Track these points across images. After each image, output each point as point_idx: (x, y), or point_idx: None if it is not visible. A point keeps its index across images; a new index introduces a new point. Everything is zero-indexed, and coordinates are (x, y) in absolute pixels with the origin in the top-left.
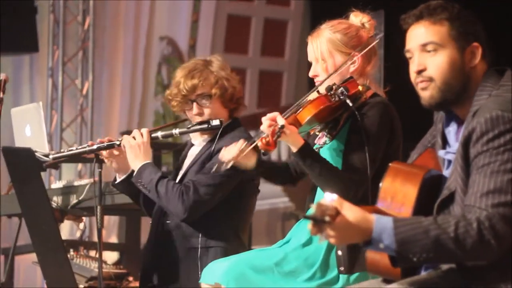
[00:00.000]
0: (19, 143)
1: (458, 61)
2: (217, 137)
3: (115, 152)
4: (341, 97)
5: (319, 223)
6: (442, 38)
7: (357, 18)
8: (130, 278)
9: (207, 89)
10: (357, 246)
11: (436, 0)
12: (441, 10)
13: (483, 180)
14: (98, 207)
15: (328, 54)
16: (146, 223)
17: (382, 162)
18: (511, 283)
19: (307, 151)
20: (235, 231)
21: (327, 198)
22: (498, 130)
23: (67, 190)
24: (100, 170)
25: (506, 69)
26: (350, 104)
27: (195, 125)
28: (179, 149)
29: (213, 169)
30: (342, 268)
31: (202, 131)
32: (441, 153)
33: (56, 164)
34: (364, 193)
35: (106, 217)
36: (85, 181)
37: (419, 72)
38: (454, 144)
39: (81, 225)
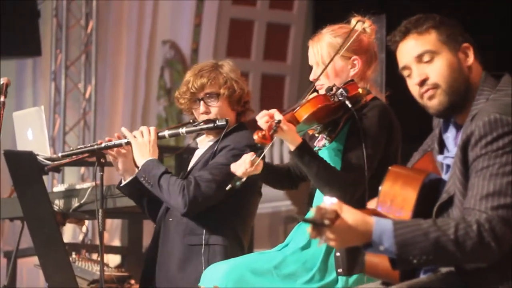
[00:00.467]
0: (21, 146)
1: (455, 62)
2: (222, 136)
3: (123, 151)
4: (340, 98)
5: (318, 226)
6: (434, 45)
7: (358, 23)
8: (132, 281)
9: (215, 88)
10: (355, 248)
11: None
12: (424, 20)
13: (483, 183)
14: (100, 210)
15: (329, 57)
16: (148, 226)
17: (380, 164)
18: (511, 285)
19: (304, 149)
20: (235, 231)
21: (327, 201)
22: (496, 133)
23: (69, 194)
24: (101, 173)
25: (503, 74)
26: (349, 106)
27: (201, 123)
28: (181, 152)
29: (228, 187)
30: (340, 270)
31: (208, 130)
32: (439, 158)
33: (58, 168)
34: (361, 194)
35: (109, 221)
36: (87, 184)
37: (422, 83)
38: (453, 149)
39: (84, 228)
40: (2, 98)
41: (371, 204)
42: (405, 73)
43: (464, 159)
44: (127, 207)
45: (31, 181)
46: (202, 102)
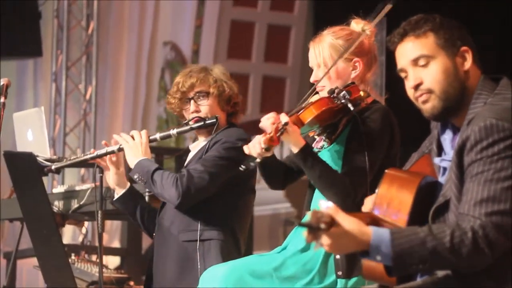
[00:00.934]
0: (21, 147)
1: (451, 67)
2: (213, 133)
3: (113, 159)
4: (343, 101)
5: (314, 230)
6: (430, 49)
7: (358, 25)
8: (131, 283)
9: (205, 87)
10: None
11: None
12: (423, 23)
13: (477, 189)
14: (99, 212)
15: (330, 60)
16: None
17: (381, 167)
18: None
19: (308, 152)
20: (231, 227)
21: (323, 205)
22: (492, 139)
23: (68, 195)
24: (101, 175)
25: (501, 77)
26: (352, 108)
27: (190, 121)
28: (181, 154)
29: (242, 167)
30: (340, 273)
31: (198, 128)
32: (436, 160)
33: (57, 169)
34: (362, 197)
35: (108, 222)
36: (86, 185)
37: (417, 87)
38: (450, 152)
39: (83, 230)
40: (3, 99)
41: (367, 202)
42: (402, 75)
43: (460, 163)
44: None
45: (31, 182)
46: (192, 101)
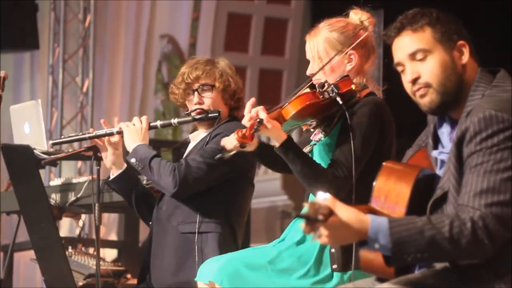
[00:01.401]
0: (18, 140)
1: (448, 61)
2: (215, 127)
3: (112, 139)
4: (331, 95)
5: (312, 222)
6: (427, 43)
7: (356, 15)
8: (128, 276)
9: (210, 80)
10: (350, 245)
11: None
12: (420, 17)
13: (476, 180)
14: (96, 205)
15: (325, 53)
16: None
17: (373, 160)
18: (504, 282)
19: (289, 146)
20: (228, 219)
21: (320, 197)
22: (491, 130)
23: (66, 187)
24: (98, 167)
25: (499, 69)
26: (340, 102)
27: (192, 112)
28: (178, 146)
29: (217, 157)
30: (335, 266)
31: (200, 120)
32: (434, 153)
33: (54, 162)
34: (348, 192)
35: (105, 215)
36: (84, 178)
37: (414, 81)
38: (448, 145)
39: (80, 223)
40: (0, 92)
41: None
42: (399, 68)
43: (459, 155)
44: (123, 202)
45: (28, 175)
46: (196, 93)
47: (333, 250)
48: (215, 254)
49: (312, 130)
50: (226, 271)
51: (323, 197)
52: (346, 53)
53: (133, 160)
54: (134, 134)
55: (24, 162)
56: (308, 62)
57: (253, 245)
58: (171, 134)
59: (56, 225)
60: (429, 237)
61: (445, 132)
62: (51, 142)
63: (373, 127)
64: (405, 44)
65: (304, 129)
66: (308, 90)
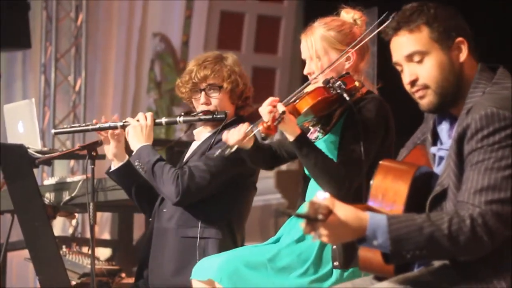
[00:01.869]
0: (12, 139)
1: (446, 61)
2: (220, 129)
3: (116, 131)
4: (339, 91)
5: (312, 221)
6: (424, 44)
7: (348, 14)
8: (123, 275)
9: (218, 80)
10: (352, 242)
11: (410, 4)
12: (417, 15)
13: (477, 177)
14: (91, 204)
15: (323, 51)
16: (138, 220)
17: (376, 158)
18: (505, 280)
19: (303, 141)
20: (230, 225)
21: (320, 196)
22: (493, 127)
23: (60, 187)
24: (92, 166)
25: (498, 66)
26: (347, 98)
27: (200, 113)
28: (172, 145)
29: (217, 152)
30: (336, 263)
31: (206, 121)
32: (433, 149)
33: (49, 161)
34: (358, 188)
35: (98, 214)
36: (78, 177)
37: (413, 83)
38: (447, 142)
39: (73, 222)
40: None
41: None
42: (398, 68)
43: (459, 152)
44: (118, 200)
45: (22, 174)
46: (203, 93)
47: (334, 247)
48: None
49: (310, 128)
50: (226, 269)
51: (322, 196)
52: (350, 52)
53: (136, 163)
54: (138, 132)
55: (18, 161)
56: (301, 60)
57: (247, 243)
58: (164, 133)
59: (51, 225)
60: (428, 234)
61: (444, 128)
62: (53, 131)
63: (380, 124)
64: (402, 45)
65: (305, 126)
66: (318, 85)
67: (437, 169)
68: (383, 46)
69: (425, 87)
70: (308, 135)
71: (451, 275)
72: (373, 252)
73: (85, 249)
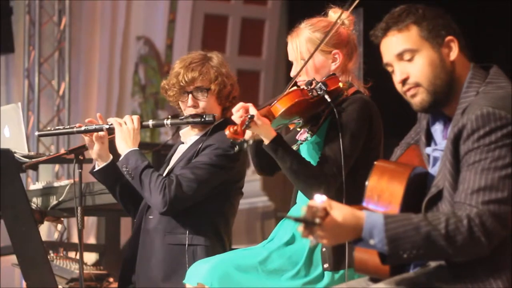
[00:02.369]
0: None
1: (437, 59)
2: (208, 133)
3: (101, 133)
4: (320, 93)
5: (309, 225)
6: (414, 42)
7: (336, 14)
8: (111, 279)
9: (206, 83)
10: (342, 243)
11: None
12: (406, 15)
13: (474, 177)
14: (79, 208)
15: (308, 53)
16: (125, 224)
17: (362, 158)
18: (501, 280)
19: (278, 144)
20: (218, 231)
21: (317, 199)
22: (489, 127)
23: (47, 191)
24: (80, 170)
25: (491, 65)
26: (328, 100)
27: (188, 117)
28: (158, 149)
29: (236, 149)
30: (326, 265)
31: (194, 124)
32: (428, 150)
33: (35, 165)
34: (339, 189)
35: (85, 218)
36: (65, 182)
37: (404, 81)
38: (441, 142)
39: (59, 227)
40: None
41: None
42: (389, 69)
43: (455, 152)
44: (106, 205)
45: (9, 179)
46: (190, 96)
47: (324, 249)
48: None
49: (298, 129)
50: (216, 272)
51: (320, 200)
52: (330, 52)
53: (124, 168)
54: (126, 135)
55: (4, 166)
56: (287, 62)
57: (234, 246)
58: (149, 137)
59: (38, 229)
60: (425, 233)
61: (438, 129)
62: (37, 133)
63: (362, 124)
64: (392, 45)
65: (291, 128)
66: (295, 87)
67: (432, 170)
68: (369, 47)
69: (417, 85)
70: (297, 137)
71: (447, 276)
72: (369, 253)
73: (72, 254)
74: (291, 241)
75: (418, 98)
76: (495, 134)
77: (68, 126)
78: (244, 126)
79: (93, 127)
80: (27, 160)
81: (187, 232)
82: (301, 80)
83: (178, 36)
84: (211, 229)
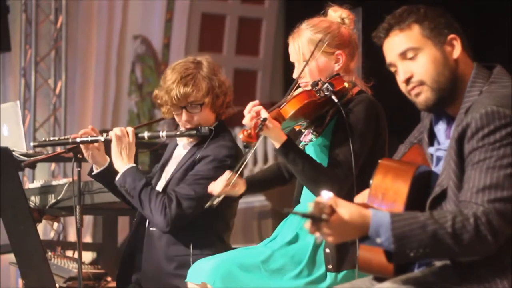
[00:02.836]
0: None
1: (440, 57)
2: (205, 144)
3: (96, 144)
4: (326, 93)
5: (317, 221)
6: (417, 41)
7: (336, 13)
8: (109, 278)
9: (199, 97)
10: (345, 244)
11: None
12: (407, 15)
13: (479, 176)
14: (77, 207)
15: (310, 55)
16: (123, 223)
17: (368, 158)
18: (506, 279)
19: (289, 147)
20: (220, 236)
21: (324, 196)
22: (493, 126)
23: (45, 190)
24: (79, 169)
25: (495, 65)
26: (336, 100)
27: (184, 132)
28: (156, 149)
29: (206, 205)
30: (330, 266)
31: (190, 136)
32: (431, 149)
33: (34, 164)
34: (348, 190)
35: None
36: (64, 180)
37: (408, 80)
38: (445, 142)
39: (55, 225)
40: None
41: (358, 198)
42: (392, 69)
43: (460, 151)
44: (104, 204)
45: (7, 177)
46: (184, 111)
47: (327, 250)
48: None
49: (303, 130)
50: (219, 271)
51: (327, 196)
52: (333, 53)
53: (122, 188)
54: (122, 150)
55: (3, 164)
56: (284, 62)
57: (232, 246)
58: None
59: (36, 228)
60: (432, 231)
61: (441, 128)
62: (32, 144)
63: (370, 124)
64: (394, 45)
65: (297, 129)
66: (303, 89)
67: (435, 169)
68: (368, 47)
69: (421, 83)
70: (301, 138)
71: (452, 275)
72: (373, 252)
73: (69, 253)
74: (294, 240)
75: (422, 97)
76: (499, 133)
77: (63, 137)
78: (258, 129)
79: (88, 139)
80: (25, 158)
81: (191, 244)
82: (304, 81)
83: (175, 35)
84: (215, 236)
